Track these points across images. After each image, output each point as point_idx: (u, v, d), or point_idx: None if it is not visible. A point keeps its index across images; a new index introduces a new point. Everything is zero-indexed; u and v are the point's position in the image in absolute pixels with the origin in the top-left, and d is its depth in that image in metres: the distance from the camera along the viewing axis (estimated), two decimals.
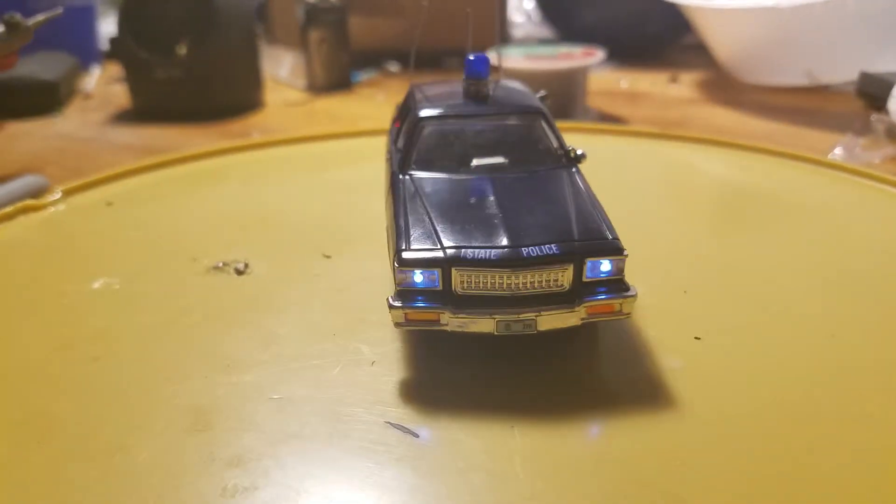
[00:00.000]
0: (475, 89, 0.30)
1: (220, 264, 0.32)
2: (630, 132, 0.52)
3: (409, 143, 0.28)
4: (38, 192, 0.42)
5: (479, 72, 0.29)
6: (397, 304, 0.23)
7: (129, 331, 0.28)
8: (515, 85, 0.33)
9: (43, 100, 0.64)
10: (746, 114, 0.63)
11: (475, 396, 0.23)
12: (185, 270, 0.32)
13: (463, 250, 0.23)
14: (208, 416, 0.23)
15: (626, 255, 0.23)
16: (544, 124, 0.29)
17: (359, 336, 0.27)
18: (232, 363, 0.25)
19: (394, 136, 0.32)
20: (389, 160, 0.30)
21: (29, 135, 0.60)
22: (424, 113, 0.29)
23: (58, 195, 0.41)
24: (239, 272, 0.32)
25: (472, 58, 0.29)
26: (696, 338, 0.26)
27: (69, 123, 0.63)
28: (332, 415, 0.22)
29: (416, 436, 0.21)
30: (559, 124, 0.51)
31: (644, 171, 0.45)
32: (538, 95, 0.32)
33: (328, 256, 0.33)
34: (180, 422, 0.22)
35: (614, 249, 0.23)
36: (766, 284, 0.30)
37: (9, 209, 0.39)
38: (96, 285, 0.31)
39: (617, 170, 0.45)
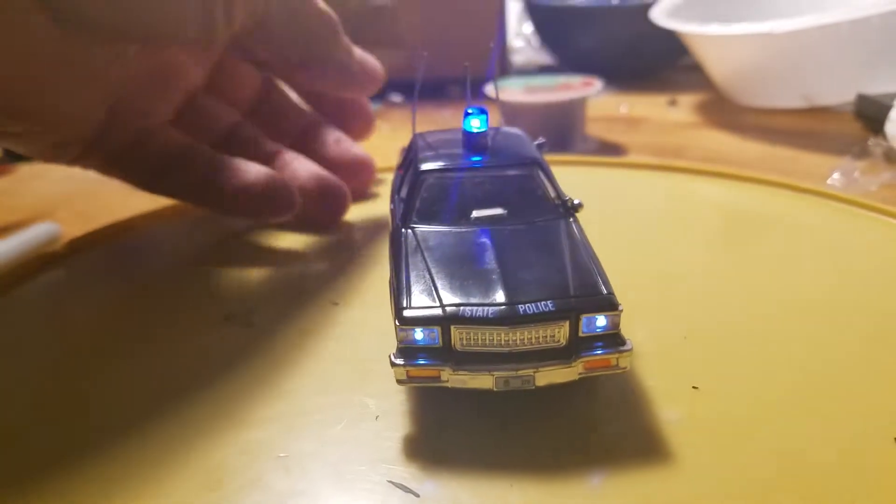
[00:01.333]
0: (474, 141, 0.30)
1: (228, 315, 0.33)
2: (629, 164, 0.52)
3: (411, 196, 0.29)
4: (51, 241, 0.43)
5: (478, 125, 0.30)
6: (399, 361, 0.24)
7: (137, 388, 0.29)
8: (514, 132, 0.33)
9: None
10: (745, 137, 0.64)
11: (475, 452, 0.24)
12: (191, 321, 0.33)
13: (461, 308, 0.23)
14: (219, 475, 0.23)
15: (621, 311, 0.23)
16: (542, 175, 0.30)
17: (364, 388, 0.27)
18: (240, 420, 0.26)
19: (397, 183, 0.33)
20: (392, 210, 0.31)
21: (41, 177, 0.61)
22: (425, 167, 0.30)
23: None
24: (247, 324, 0.33)
25: (470, 111, 0.30)
26: (693, 387, 0.26)
27: None
28: (337, 474, 0.23)
29: (417, 496, 0.22)
30: (559, 157, 0.52)
31: (644, 206, 0.46)
32: (536, 143, 0.33)
33: (336, 303, 0.34)
34: (192, 481, 0.23)
35: (609, 305, 0.23)
36: (767, 328, 0.30)
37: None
38: (103, 339, 0.32)
39: (617, 204, 0.45)
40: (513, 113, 0.60)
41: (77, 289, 0.39)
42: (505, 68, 0.89)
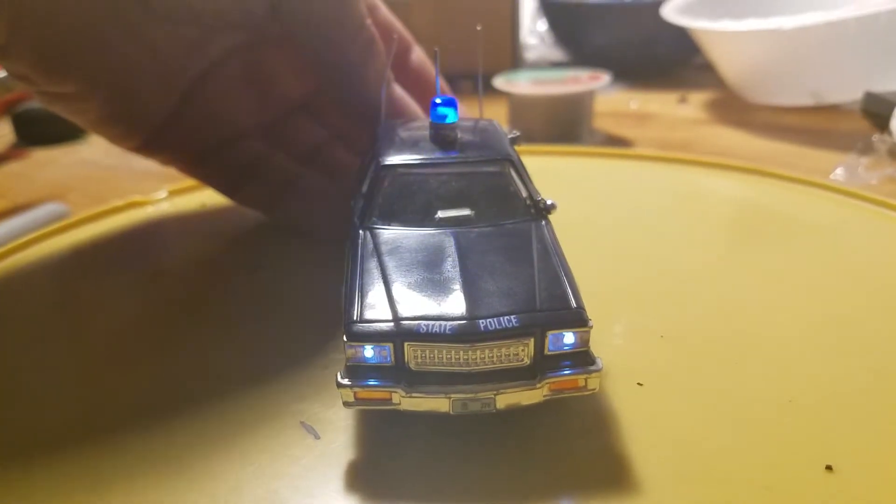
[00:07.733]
0: (442, 134, 0.28)
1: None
2: (633, 156, 0.53)
3: (371, 192, 0.27)
4: (59, 219, 0.44)
5: (446, 116, 0.28)
6: (346, 382, 0.21)
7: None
8: (487, 123, 0.31)
9: (66, 127, 0.66)
10: (753, 134, 0.64)
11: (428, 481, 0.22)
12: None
13: (417, 323, 0.21)
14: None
15: (591, 326, 0.22)
16: (513, 173, 0.27)
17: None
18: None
19: (359, 177, 0.30)
20: (353, 207, 0.29)
21: (54, 162, 0.62)
22: (388, 160, 0.27)
23: (163, 194, 0.46)
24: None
25: (438, 101, 0.28)
26: (638, 383, 0.26)
27: (92, 150, 0.65)
28: (254, 408, 0.25)
29: (318, 437, 0.23)
30: (560, 148, 0.52)
31: (647, 197, 0.45)
32: (510, 136, 0.30)
33: None
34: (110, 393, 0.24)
35: (578, 320, 0.22)
36: (749, 334, 0.29)
37: (119, 203, 0.44)
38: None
39: (619, 196, 0.45)
40: (520, 105, 0.61)
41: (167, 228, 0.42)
42: (517, 64, 0.89)
